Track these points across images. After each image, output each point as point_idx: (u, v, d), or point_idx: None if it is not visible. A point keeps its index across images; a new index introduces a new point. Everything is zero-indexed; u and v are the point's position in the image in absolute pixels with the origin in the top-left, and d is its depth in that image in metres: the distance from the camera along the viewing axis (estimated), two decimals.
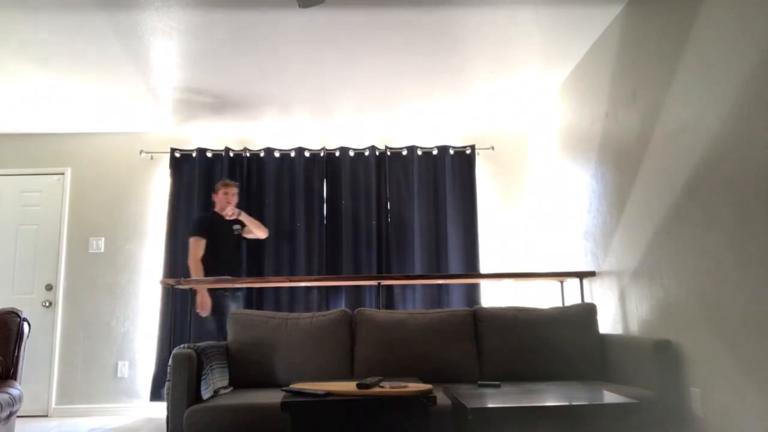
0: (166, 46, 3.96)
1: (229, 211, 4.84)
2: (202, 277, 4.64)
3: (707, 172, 2.74)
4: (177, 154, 5.60)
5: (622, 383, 3.26)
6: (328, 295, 5.33)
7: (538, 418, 2.26)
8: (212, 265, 4.74)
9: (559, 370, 3.45)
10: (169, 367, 3.10)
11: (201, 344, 3.29)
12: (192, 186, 5.55)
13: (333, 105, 5.13)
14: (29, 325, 3.55)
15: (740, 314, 2.52)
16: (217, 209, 4.95)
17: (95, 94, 4.78)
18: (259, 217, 5.48)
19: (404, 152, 5.60)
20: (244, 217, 4.95)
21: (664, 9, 3.12)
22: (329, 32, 3.83)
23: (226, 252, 4.88)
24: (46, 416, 5.25)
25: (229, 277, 4.82)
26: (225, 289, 4.72)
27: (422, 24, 3.74)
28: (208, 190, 5.52)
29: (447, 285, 5.31)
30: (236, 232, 4.96)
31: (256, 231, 5.05)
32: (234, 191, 4.97)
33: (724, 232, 2.62)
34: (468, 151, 5.59)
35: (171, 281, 4.25)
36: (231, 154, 5.58)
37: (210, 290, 4.66)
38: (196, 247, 4.72)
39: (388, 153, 5.59)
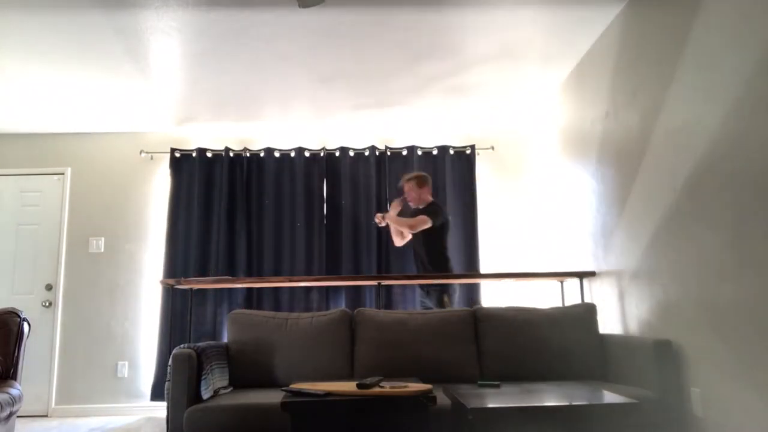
0: (166, 46, 3.96)
1: (377, 220, 4.65)
2: (204, 278, 4.64)
3: (707, 172, 2.74)
4: (177, 154, 5.60)
5: (622, 383, 3.26)
6: (328, 295, 5.32)
7: (538, 418, 2.26)
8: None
9: (560, 370, 3.45)
10: (169, 367, 3.10)
11: (201, 344, 3.29)
12: (192, 186, 5.55)
13: (333, 105, 5.13)
14: (29, 325, 3.55)
15: (740, 314, 2.52)
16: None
17: (95, 93, 4.78)
18: (259, 217, 5.47)
19: (404, 152, 5.60)
20: (388, 219, 4.61)
21: (664, 9, 3.12)
22: (329, 32, 3.83)
23: (413, 247, 4.71)
24: (46, 416, 5.25)
25: (229, 277, 4.83)
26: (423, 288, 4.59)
27: (422, 24, 3.74)
28: (209, 190, 5.52)
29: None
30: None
31: (405, 231, 4.61)
32: (405, 187, 4.69)
33: (724, 232, 2.62)
34: (468, 152, 5.59)
35: (171, 281, 4.26)
36: (231, 154, 5.58)
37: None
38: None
39: (388, 153, 5.59)
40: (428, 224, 4.46)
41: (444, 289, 4.44)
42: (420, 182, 4.66)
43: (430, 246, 4.55)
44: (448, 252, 4.58)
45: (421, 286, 4.63)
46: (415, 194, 4.65)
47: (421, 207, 4.63)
